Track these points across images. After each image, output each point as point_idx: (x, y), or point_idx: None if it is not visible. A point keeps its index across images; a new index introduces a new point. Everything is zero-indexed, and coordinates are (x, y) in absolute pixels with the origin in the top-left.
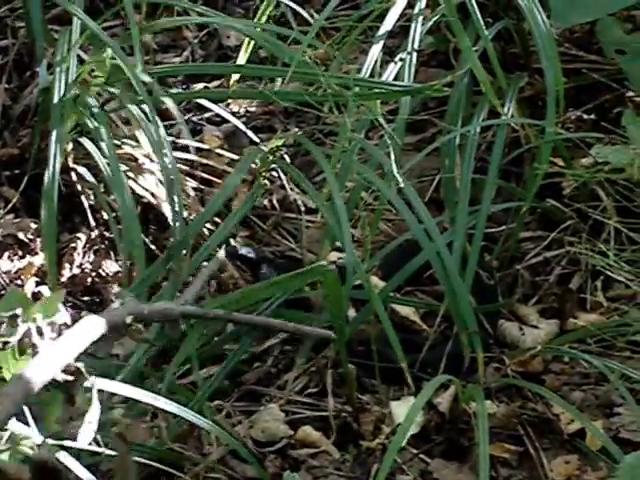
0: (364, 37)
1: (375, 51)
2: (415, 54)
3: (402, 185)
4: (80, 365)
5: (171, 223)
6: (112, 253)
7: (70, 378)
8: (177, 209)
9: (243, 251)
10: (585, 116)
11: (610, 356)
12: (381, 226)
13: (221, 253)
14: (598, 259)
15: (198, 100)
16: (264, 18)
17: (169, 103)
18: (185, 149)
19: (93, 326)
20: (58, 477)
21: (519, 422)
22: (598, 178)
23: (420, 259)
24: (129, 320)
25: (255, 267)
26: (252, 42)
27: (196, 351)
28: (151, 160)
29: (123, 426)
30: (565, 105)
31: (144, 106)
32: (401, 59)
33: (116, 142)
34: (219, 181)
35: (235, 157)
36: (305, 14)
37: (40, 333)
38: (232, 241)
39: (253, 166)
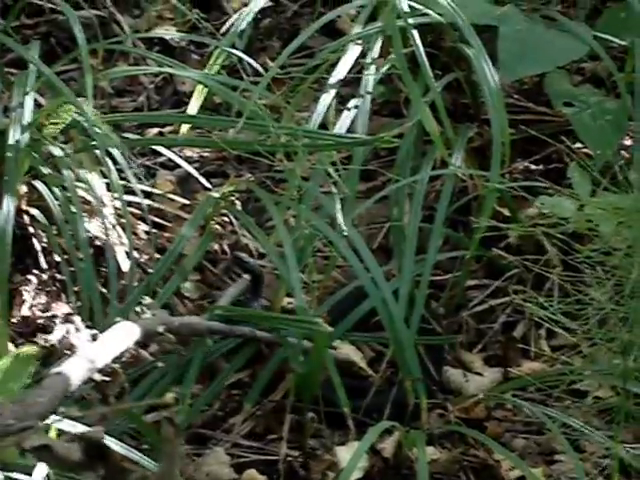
0: (318, 86)
1: (327, 99)
2: (368, 103)
3: (346, 233)
4: (117, 366)
5: (124, 268)
6: (63, 295)
7: (106, 379)
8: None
9: (251, 262)
10: (533, 167)
11: (551, 404)
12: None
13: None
14: (540, 309)
15: None
16: (216, 67)
17: (116, 151)
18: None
19: (128, 331)
20: (107, 456)
21: (461, 468)
22: (535, 231)
23: (366, 306)
24: (161, 329)
25: (257, 280)
26: (205, 90)
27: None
28: (103, 204)
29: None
30: (513, 156)
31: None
32: (355, 107)
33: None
34: (171, 225)
35: (187, 202)
36: (257, 65)
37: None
38: (182, 285)
39: None
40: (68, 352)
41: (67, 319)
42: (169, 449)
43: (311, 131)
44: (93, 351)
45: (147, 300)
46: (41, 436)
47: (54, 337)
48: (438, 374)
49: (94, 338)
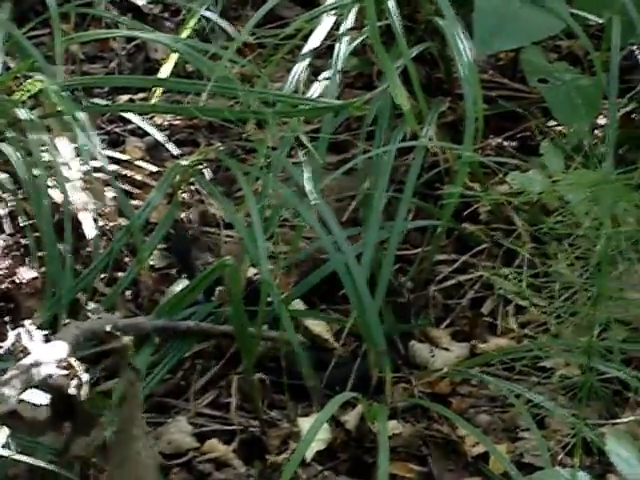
0: (292, 56)
1: (299, 69)
2: (339, 74)
3: (313, 202)
4: (72, 360)
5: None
6: (27, 260)
7: (64, 372)
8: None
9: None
10: (506, 143)
11: (518, 381)
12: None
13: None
14: (509, 284)
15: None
16: (187, 32)
17: (83, 116)
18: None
19: (77, 330)
20: (75, 407)
21: (424, 442)
22: (505, 202)
23: (326, 270)
24: (107, 329)
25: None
26: (176, 56)
27: None
28: (70, 169)
29: (132, 354)
30: (487, 131)
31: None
32: (325, 78)
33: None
34: (139, 191)
35: (155, 169)
36: (230, 30)
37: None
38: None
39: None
40: (21, 355)
41: (18, 324)
42: (132, 393)
43: (282, 95)
44: (47, 349)
45: (91, 305)
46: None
47: (6, 343)
48: (404, 348)
49: (47, 339)
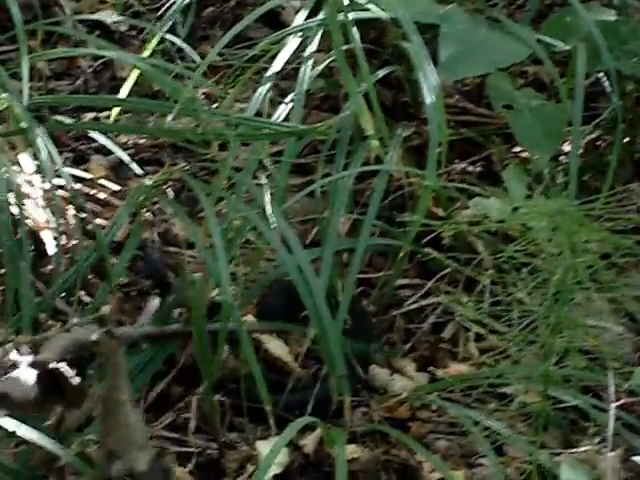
0: (260, 77)
1: (263, 91)
2: (305, 97)
3: (274, 224)
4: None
5: (50, 252)
6: None
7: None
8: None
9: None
10: (471, 168)
11: (477, 407)
12: (263, 265)
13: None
14: (469, 311)
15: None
16: (149, 51)
17: (45, 134)
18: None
19: (65, 341)
20: (63, 383)
21: (382, 468)
22: (469, 231)
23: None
24: (94, 338)
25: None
26: (140, 75)
27: None
28: (32, 185)
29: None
30: (452, 157)
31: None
32: (292, 100)
33: None
34: (101, 210)
35: (118, 188)
36: (194, 51)
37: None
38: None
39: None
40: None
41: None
42: (114, 361)
43: (245, 118)
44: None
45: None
46: None
47: None
48: (364, 371)
49: (34, 350)
